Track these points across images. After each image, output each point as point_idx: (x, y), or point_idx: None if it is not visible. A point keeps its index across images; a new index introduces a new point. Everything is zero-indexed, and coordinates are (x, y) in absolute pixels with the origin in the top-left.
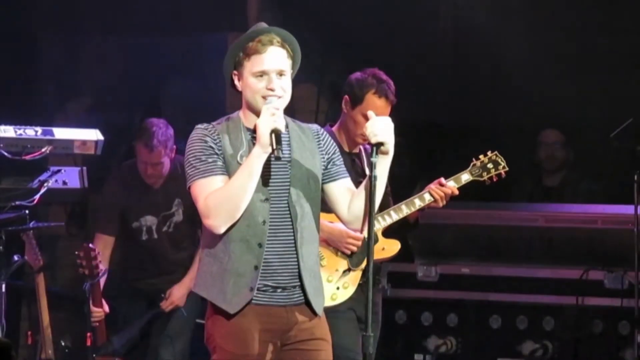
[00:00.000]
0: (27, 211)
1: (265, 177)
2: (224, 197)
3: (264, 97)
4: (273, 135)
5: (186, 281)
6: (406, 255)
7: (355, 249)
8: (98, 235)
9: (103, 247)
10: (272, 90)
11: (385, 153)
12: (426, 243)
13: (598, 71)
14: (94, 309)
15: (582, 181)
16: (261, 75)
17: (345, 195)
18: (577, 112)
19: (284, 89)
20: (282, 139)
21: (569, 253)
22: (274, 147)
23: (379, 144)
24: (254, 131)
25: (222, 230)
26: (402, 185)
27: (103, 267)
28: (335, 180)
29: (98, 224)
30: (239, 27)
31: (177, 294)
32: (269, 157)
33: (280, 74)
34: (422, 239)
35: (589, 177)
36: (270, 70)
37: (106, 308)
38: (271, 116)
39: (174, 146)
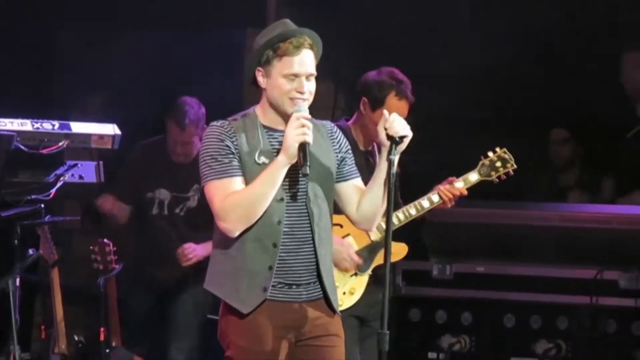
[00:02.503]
0: (42, 205)
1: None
2: (242, 202)
3: (292, 99)
4: (301, 150)
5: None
6: (421, 253)
7: (346, 267)
8: (108, 196)
9: (114, 202)
10: (301, 93)
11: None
12: (441, 241)
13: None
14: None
15: (597, 181)
16: (292, 78)
17: (356, 195)
18: (590, 110)
19: (311, 92)
20: None
21: (584, 253)
22: (302, 162)
23: (402, 137)
24: (270, 129)
25: (236, 233)
26: (421, 180)
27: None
28: (347, 180)
29: (114, 188)
30: (257, 23)
31: (200, 249)
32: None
33: (310, 77)
34: (437, 237)
35: (603, 176)
36: (302, 73)
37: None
38: (301, 127)
39: (205, 126)
